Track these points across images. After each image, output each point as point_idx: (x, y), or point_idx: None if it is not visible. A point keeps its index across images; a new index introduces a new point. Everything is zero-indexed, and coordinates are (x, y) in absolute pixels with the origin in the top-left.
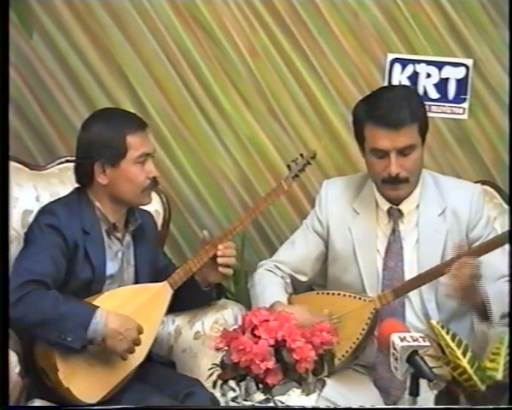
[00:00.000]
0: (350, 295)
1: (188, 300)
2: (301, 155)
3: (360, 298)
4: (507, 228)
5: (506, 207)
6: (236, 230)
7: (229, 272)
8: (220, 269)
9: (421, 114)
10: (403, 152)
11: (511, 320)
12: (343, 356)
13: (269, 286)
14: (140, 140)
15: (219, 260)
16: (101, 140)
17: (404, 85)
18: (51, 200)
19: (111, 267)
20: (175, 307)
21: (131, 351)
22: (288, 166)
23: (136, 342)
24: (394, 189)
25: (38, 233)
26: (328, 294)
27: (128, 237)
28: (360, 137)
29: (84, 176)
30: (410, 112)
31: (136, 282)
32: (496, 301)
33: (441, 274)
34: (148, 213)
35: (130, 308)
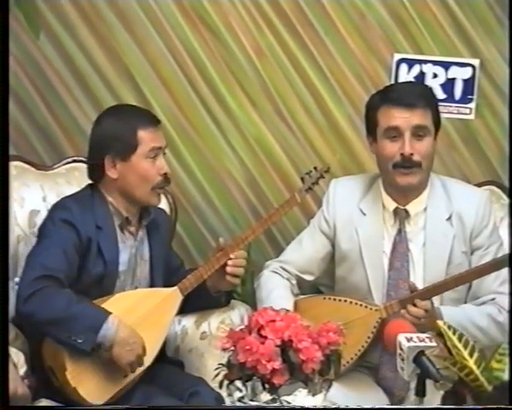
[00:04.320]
0: (356, 303)
1: (197, 304)
2: (315, 168)
3: (367, 306)
4: None
5: None
6: (248, 239)
7: (237, 281)
8: (228, 278)
9: (434, 103)
10: (417, 133)
11: None
12: (348, 363)
13: (275, 290)
14: (151, 135)
15: (228, 270)
16: (113, 133)
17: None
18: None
19: (124, 262)
20: (183, 309)
21: (134, 368)
22: (302, 179)
23: (140, 361)
24: (406, 174)
25: (52, 228)
26: (334, 299)
27: (142, 232)
28: (373, 124)
29: (96, 170)
30: (424, 97)
31: (151, 277)
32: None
33: (448, 289)
34: (161, 210)
35: (140, 312)
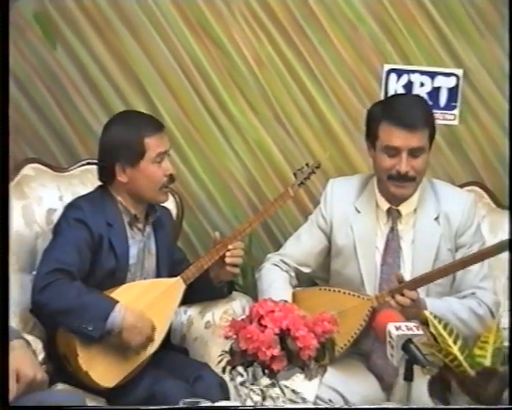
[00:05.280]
0: (350, 293)
1: (202, 294)
2: (307, 165)
3: (359, 296)
4: (495, 226)
5: (493, 206)
6: (246, 231)
7: (236, 270)
8: (228, 268)
9: (431, 120)
10: (413, 153)
11: (511, 319)
12: (341, 348)
13: (275, 282)
14: (157, 141)
15: (227, 260)
16: (121, 142)
17: (416, 94)
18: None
19: (133, 256)
20: (189, 300)
21: (144, 347)
22: (295, 175)
23: (150, 339)
24: (400, 186)
25: (66, 226)
26: (329, 290)
27: (149, 228)
28: (373, 135)
29: (106, 175)
30: (423, 117)
31: (158, 269)
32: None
33: (433, 280)
34: (166, 208)
35: (146, 301)
